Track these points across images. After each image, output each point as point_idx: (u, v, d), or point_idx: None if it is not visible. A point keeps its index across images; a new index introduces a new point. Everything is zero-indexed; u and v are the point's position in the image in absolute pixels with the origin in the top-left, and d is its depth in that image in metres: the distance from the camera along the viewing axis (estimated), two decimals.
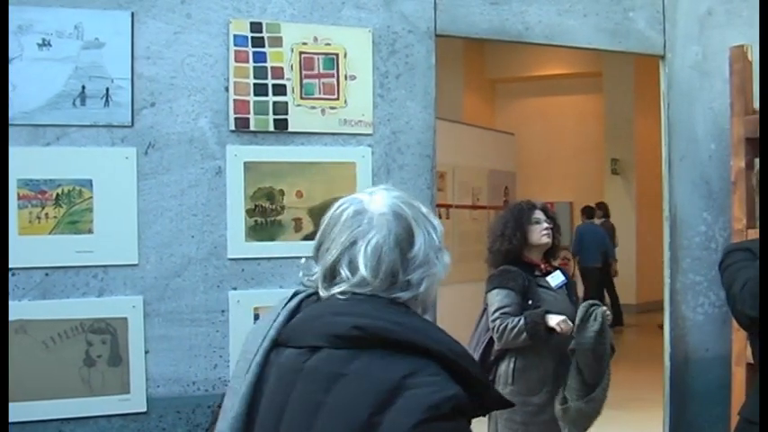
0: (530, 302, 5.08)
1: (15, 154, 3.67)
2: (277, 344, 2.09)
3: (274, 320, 2.12)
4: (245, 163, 4.00)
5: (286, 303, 2.16)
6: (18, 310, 3.67)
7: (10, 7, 3.65)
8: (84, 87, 3.78)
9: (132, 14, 3.87)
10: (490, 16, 4.46)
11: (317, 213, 4.09)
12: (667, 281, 4.85)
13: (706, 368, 4.82)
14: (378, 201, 2.09)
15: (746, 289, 3.34)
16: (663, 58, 4.85)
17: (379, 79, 4.24)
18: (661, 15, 4.81)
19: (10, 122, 3.67)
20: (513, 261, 5.24)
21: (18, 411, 3.62)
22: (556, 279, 5.32)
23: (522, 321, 4.92)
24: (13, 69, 3.69)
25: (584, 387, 4.91)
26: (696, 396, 4.82)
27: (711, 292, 4.82)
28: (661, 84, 4.89)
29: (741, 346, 4.45)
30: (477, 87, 18.16)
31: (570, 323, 4.90)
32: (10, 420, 3.55)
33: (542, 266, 5.32)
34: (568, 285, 5.44)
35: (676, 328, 4.82)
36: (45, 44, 3.74)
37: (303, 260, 2.20)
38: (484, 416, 2.11)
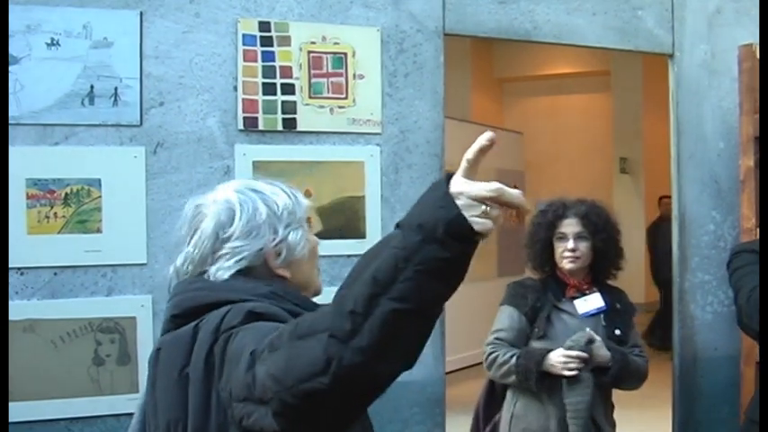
0: (535, 329, 4.09)
1: (24, 153, 3.68)
2: None
3: None
4: (253, 162, 4.00)
5: None
6: (27, 309, 3.68)
7: (18, 7, 3.66)
8: (92, 87, 3.78)
9: (141, 14, 3.87)
10: (498, 15, 4.46)
11: (326, 213, 4.10)
12: (676, 280, 4.84)
13: (715, 367, 4.81)
14: (218, 191, 2.19)
15: (752, 301, 3.31)
16: (671, 56, 4.84)
17: (387, 78, 4.24)
18: (670, 14, 4.80)
19: (18, 122, 3.68)
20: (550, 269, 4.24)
21: (27, 411, 3.63)
22: (587, 304, 4.14)
23: (513, 360, 4.00)
24: (21, 69, 3.70)
25: None
26: (705, 395, 4.81)
27: (720, 291, 4.81)
28: (670, 82, 4.88)
29: (750, 345, 4.45)
30: (485, 86, 18.10)
31: (584, 356, 3.89)
32: (19, 420, 3.58)
33: (571, 285, 4.16)
34: (608, 315, 4.14)
35: (685, 327, 4.81)
36: (53, 44, 3.74)
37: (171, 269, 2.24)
38: None
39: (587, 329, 3.95)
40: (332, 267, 4.00)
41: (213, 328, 1.87)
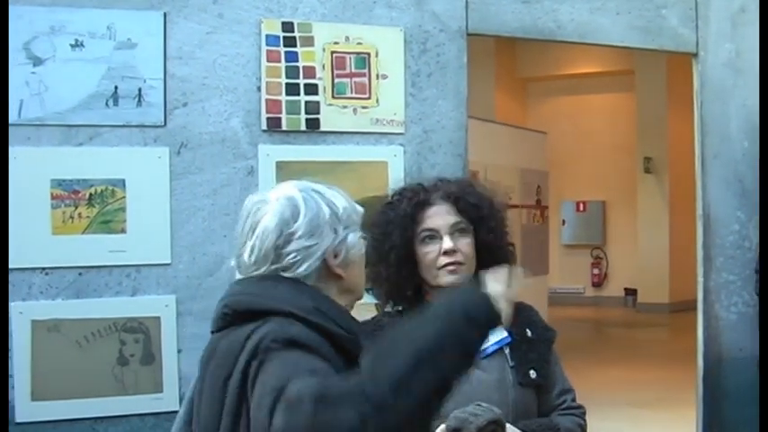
0: None
1: (48, 154, 3.70)
2: None
3: None
4: (276, 162, 4.00)
5: None
6: (52, 309, 3.70)
7: (42, 9, 3.69)
8: (116, 88, 3.80)
9: (164, 15, 3.89)
10: (522, 15, 4.45)
11: None
12: (700, 280, 4.81)
13: (739, 368, 4.78)
14: (279, 189, 2.23)
15: None
16: (695, 55, 4.82)
17: (410, 78, 4.23)
18: (693, 13, 4.78)
19: (43, 123, 3.71)
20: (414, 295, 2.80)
21: (51, 410, 3.65)
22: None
23: None
24: (45, 70, 3.72)
25: None
26: (729, 396, 4.79)
27: (745, 292, 4.78)
28: (694, 82, 4.86)
29: None
30: (509, 86, 18.07)
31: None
32: (44, 419, 3.61)
33: None
34: (516, 351, 2.73)
35: (710, 328, 4.78)
36: (78, 45, 3.76)
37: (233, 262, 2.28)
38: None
39: (478, 406, 2.43)
40: None
41: (253, 347, 1.93)
